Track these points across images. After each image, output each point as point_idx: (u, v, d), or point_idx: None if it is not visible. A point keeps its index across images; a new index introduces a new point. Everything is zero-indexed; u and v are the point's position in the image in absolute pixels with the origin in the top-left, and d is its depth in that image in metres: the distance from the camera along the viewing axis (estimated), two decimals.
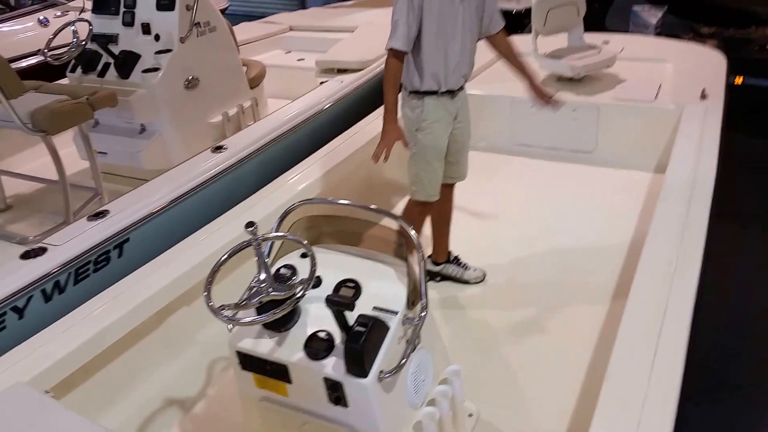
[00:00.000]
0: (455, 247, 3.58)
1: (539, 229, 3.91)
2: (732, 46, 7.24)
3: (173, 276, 2.83)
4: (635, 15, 8.33)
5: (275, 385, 2.15)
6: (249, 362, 2.14)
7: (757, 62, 7.14)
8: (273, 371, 2.11)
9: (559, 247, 3.72)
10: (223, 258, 2.08)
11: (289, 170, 3.77)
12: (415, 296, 2.13)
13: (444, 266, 3.55)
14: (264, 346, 2.09)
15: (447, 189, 3.38)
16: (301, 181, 3.65)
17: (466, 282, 3.52)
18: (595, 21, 6.82)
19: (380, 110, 3.02)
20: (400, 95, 3.07)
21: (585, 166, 4.56)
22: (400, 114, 3.06)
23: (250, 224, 2.00)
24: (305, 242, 2.09)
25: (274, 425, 2.30)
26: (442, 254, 3.56)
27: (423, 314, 2.10)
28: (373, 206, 2.35)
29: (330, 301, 1.95)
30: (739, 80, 7.33)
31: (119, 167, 4.26)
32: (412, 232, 2.21)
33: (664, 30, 7.99)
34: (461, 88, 3.16)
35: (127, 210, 3.30)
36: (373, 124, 4.18)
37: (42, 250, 2.98)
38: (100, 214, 3.26)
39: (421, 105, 3.05)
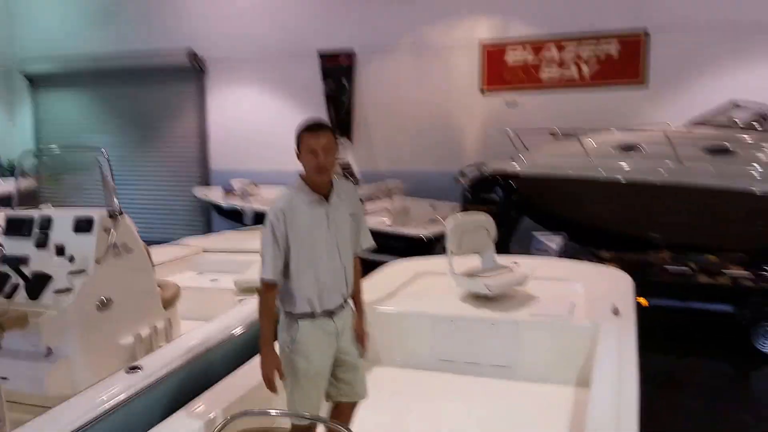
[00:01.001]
0: None
1: None
2: (633, 269, 7.87)
3: None
4: (537, 241, 8.98)
5: None
6: None
7: (659, 284, 7.72)
8: None
9: None
10: None
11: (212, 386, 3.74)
12: None
13: None
14: None
15: (347, 408, 3.44)
16: (226, 398, 3.60)
17: None
18: (499, 248, 7.39)
19: None
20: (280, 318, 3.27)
21: (507, 381, 4.70)
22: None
23: None
24: None
25: None
26: None
27: None
28: (306, 414, 2.40)
29: None
30: (644, 302, 7.90)
31: (22, 394, 4.09)
32: None
33: (566, 255, 8.61)
34: (341, 306, 3.35)
35: None
36: None
37: None
38: None
39: (296, 327, 3.23)
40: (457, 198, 9.91)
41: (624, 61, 10.64)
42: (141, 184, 13.76)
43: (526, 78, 11.22)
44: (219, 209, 11.43)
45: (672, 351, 7.37)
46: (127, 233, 4.58)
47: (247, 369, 3.93)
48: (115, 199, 4.53)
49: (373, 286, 5.43)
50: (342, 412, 3.38)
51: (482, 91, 11.50)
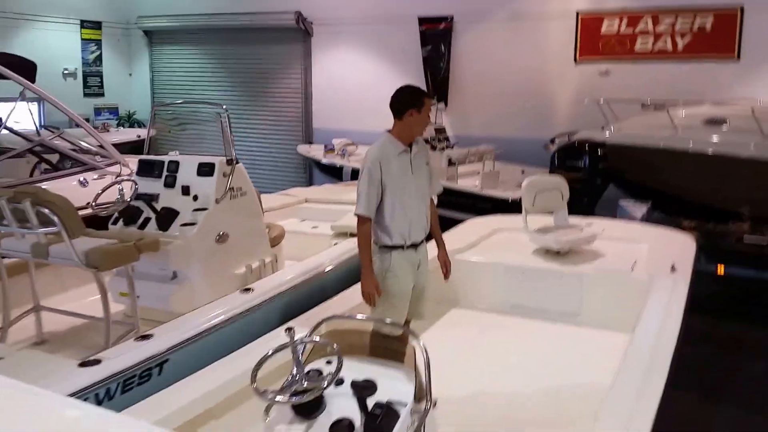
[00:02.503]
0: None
1: (519, 376, 4.55)
2: (711, 238, 8.19)
3: (204, 391, 3.46)
4: (621, 209, 9.37)
5: None
6: None
7: (735, 254, 8.03)
8: None
9: (532, 391, 4.36)
10: (269, 353, 2.78)
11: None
12: (420, 394, 2.79)
13: None
14: None
15: (406, 324, 4.15)
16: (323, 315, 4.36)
17: None
18: (584, 214, 7.88)
19: None
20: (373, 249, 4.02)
21: (570, 326, 5.29)
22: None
23: (289, 329, 2.73)
24: (335, 346, 2.80)
25: None
26: None
27: (428, 407, 2.75)
28: (388, 320, 3.08)
29: (354, 386, 2.64)
30: (721, 270, 8.24)
31: (151, 309, 4.97)
32: (421, 343, 2.91)
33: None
34: (422, 242, 4.11)
35: (168, 334, 4.00)
36: None
37: (97, 362, 3.64)
38: (146, 337, 3.95)
39: (390, 256, 3.99)
40: (546, 164, 10.37)
41: (718, 35, 10.77)
42: (249, 138, 14.81)
43: (619, 49, 11.48)
44: (320, 165, 12.28)
45: (743, 319, 7.70)
46: (241, 179, 5.38)
47: (337, 298, 4.69)
48: (232, 149, 5.31)
49: (455, 237, 6.11)
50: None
51: (576, 60, 11.82)
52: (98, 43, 15.92)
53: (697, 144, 8.96)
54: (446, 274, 4.42)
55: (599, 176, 9.80)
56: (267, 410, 2.80)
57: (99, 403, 3.50)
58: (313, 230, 6.84)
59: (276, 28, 14.24)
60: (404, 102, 4.03)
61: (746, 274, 8.20)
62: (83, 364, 3.61)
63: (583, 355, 4.86)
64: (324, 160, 11.96)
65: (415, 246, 4.05)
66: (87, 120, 13.99)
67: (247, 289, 4.71)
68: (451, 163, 10.51)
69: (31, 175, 7.08)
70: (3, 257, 4.77)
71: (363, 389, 2.69)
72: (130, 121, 15.82)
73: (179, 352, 3.95)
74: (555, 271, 5.52)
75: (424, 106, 4.04)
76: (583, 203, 9.71)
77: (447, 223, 5.62)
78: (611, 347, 4.88)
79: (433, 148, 10.90)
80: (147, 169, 5.51)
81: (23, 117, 8.50)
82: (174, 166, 5.39)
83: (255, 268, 5.37)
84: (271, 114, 14.86)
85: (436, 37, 12.67)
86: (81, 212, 5.74)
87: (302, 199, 7.77)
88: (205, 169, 5.24)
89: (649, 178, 9.62)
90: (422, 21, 12.80)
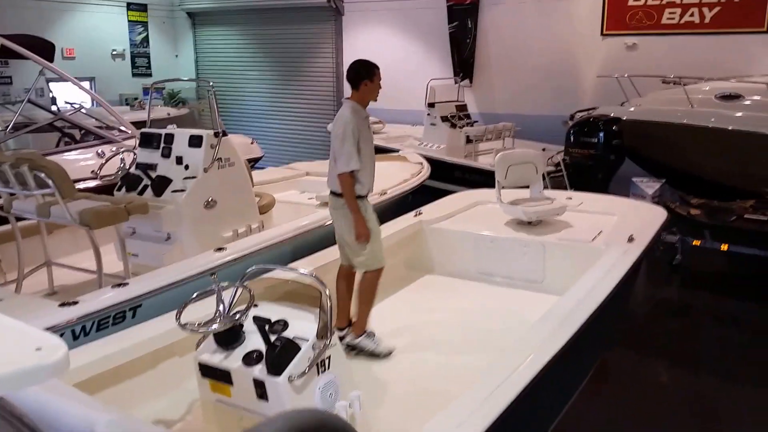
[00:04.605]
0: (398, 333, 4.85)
1: (462, 333, 5.11)
2: (714, 215, 8.50)
3: (165, 329, 4.10)
4: (634, 186, 9.66)
5: (222, 387, 3.39)
6: (206, 371, 3.41)
7: (736, 231, 8.30)
8: (221, 376, 3.37)
9: (468, 345, 4.91)
10: (194, 296, 3.42)
11: None
12: (324, 332, 3.38)
13: (363, 340, 4.77)
14: (216, 359, 3.36)
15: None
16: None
17: (377, 356, 4.75)
18: (597, 189, 8.29)
19: None
20: (335, 197, 4.83)
21: (531, 293, 5.77)
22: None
23: (212, 274, 3.36)
24: (250, 289, 3.41)
25: (224, 421, 3.51)
26: (361, 328, 4.82)
27: (327, 343, 3.34)
28: (306, 272, 3.65)
29: (256, 321, 3.26)
30: (725, 247, 8.54)
31: (147, 266, 5.68)
32: (326, 291, 3.48)
33: (661, 201, 9.28)
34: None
35: (142, 283, 4.70)
36: None
37: (75, 303, 4.35)
38: (122, 285, 4.66)
39: (364, 203, 4.74)
40: None
41: (746, 7, 10.94)
42: (282, 116, 15.64)
43: (647, 21, 11.72)
44: None
45: (746, 297, 8.11)
46: (229, 150, 6.04)
47: (304, 260, 5.32)
48: (219, 122, 5.98)
49: (437, 208, 6.69)
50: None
51: (603, 35, 12.09)
52: (144, 24, 16.93)
53: (710, 121, 9.21)
54: None
55: (613, 153, 10.10)
56: (198, 345, 3.46)
57: (75, 338, 4.21)
58: (309, 201, 7.46)
59: (309, 6, 14.99)
60: (358, 74, 4.79)
61: (749, 252, 8.47)
62: (63, 305, 4.32)
63: (528, 316, 5.31)
64: None
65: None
66: (135, 99, 15.10)
67: (221, 249, 5.39)
68: (468, 140, 10.97)
69: (57, 147, 7.93)
70: (17, 219, 5.58)
71: (265, 323, 3.31)
72: (175, 100, 16.72)
73: (151, 299, 4.64)
74: (521, 240, 6.02)
75: (375, 76, 4.80)
76: (597, 179, 10.11)
77: None
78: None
79: (453, 125, 11.38)
80: (147, 141, 6.21)
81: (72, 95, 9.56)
82: (170, 138, 6.07)
83: (241, 232, 6.03)
84: (305, 92, 15.62)
85: (462, 12, 13.10)
86: (92, 184, 6.62)
87: (303, 172, 8.45)
88: (195, 141, 5.91)
89: (664, 155, 9.88)
90: None
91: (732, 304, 8.05)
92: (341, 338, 4.65)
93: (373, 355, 4.74)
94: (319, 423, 1.44)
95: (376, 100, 4.94)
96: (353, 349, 4.74)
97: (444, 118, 11.45)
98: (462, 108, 12.03)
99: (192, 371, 3.50)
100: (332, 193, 4.89)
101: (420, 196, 7.85)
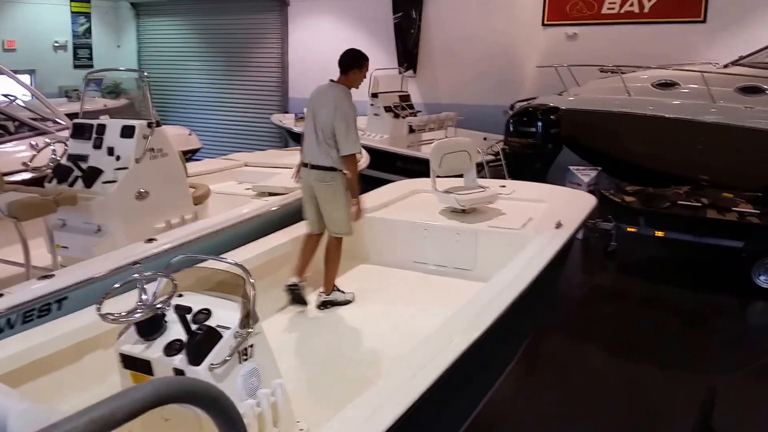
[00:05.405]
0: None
1: (385, 321, 5.22)
2: (649, 202, 8.73)
3: (90, 321, 4.11)
4: (571, 174, 9.91)
5: (144, 378, 3.42)
6: (127, 361, 3.44)
7: (669, 217, 8.55)
8: (142, 367, 3.40)
9: (388, 332, 5.02)
10: (115, 286, 3.45)
11: None
12: (246, 321, 3.44)
13: (333, 294, 5.41)
14: (137, 349, 3.39)
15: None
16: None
17: (349, 302, 5.45)
18: (535, 178, 8.46)
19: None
20: (325, 172, 5.27)
21: (465, 281, 5.88)
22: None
23: (135, 263, 3.39)
24: (173, 278, 3.45)
25: (147, 414, 3.53)
26: (330, 286, 5.42)
27: (249, 331, 3.40)
28: (232, 261, 3.70)
29: (177, 309, 3.30)
30: (659, 233, 8.79)
31: (77, 258, 5.66)
32: (251, 280, 3.54)
33: (597, 189, 9.52)
34: None
35: (68, 275, 4.69)
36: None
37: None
38: (48, 277, 4.65)
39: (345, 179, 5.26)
40: None
41: None
42: (227, 107, 15.59)
43: (587, 11, 12.00)
44: (291, 134, 12.92)
45: (680, 282, 8.38)
46: (163, 141, 6.04)
47: (237, 251, 5.35)
48: (153, 112, 5.98)
49: (373, 197, 6.76)
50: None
51: (544, 25, 12.30)
52: (87, 15, 16.70)
53: (647, 108, 9.48)
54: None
55: (551, 142, 10.33)
56: (119, 335, 3.49)
57: (0, 331, 4.20)
58: (246, 191, 7.49)
59: None
60: (355, 60, 5.44)
61: (683, 238, 8.73)
62: None
63: (457, 303, 5.41)
64: (295, 129, 12.53)
65: None
66: (75, 90, 14.90)
67: (151, 240, 5.40)
68: (411, 130, 11.09)
69: None
70: None
71: (187, 312, 3.35)
72: (116, 91, 16.52)
73: (78, 291, 4.63)
74: (454, 228, 6.13)
75: (365, 67, 5.47)
76: (535, 168, 10.32)
77: None
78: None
79: (396, 116, 11.49)
80: (79, 132, 6.18)
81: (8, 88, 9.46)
82: (102, 128, 6.05)
83: (174, 223, 6.04)
84: (251, 83, 15.60)
85: (407, 3, 13.22)
86: (27, 176, 6.56)
87: (242, 163, 8.45)
88: (128, 131, 5.90)
89: (601, 143, 10.15)
90: None
91: (666, 290, 8.29)
92: (297, 283, 5.34)
93: (346, 302, 5.45)
94: (185, 388, 1.52)
95: (357, 88, 5.52)
96: (327, 305, 5.40)
97: (387, 108, 11.55)
98: (405, 98, 12.14)
99: (116, 364, 3.53)
100: (320, 167, 5.31)
101: (360, 186, 7.90)
